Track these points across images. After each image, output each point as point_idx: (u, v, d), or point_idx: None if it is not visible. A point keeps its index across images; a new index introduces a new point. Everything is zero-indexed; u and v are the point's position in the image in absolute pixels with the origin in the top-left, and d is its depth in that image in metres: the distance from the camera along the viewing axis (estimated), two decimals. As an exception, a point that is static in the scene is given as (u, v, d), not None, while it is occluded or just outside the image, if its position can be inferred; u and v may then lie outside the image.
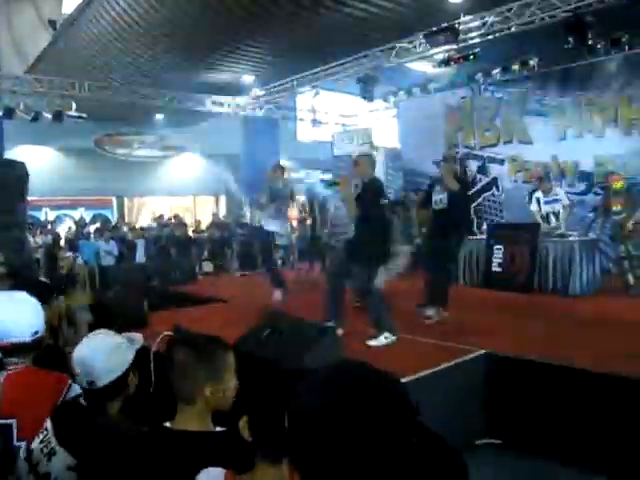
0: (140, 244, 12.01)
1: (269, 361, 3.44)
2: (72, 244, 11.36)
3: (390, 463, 0.84)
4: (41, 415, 1.96)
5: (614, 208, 7.35)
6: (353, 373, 0.93)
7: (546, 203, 7.71)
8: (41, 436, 1.86)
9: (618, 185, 7.45)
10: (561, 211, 7.58)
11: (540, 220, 7.76)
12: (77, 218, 15.08)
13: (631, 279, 7.11)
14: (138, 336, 2.15)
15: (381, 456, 0.84)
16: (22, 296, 2.24)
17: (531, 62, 9.56)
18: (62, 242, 11.87)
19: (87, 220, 15.15)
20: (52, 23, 10.17)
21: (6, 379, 2.10)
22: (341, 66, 10.22)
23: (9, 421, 1.98)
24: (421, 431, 0.91)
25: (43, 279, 6.44)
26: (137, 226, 14.17)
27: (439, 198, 5.90)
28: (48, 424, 1.88)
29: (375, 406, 0.86)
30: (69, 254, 9.72)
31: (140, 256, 11.75)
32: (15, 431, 1.97)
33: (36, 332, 2.14)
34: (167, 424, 1.66)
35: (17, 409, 2.00)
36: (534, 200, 7.93)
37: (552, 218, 7.68)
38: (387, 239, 5.26)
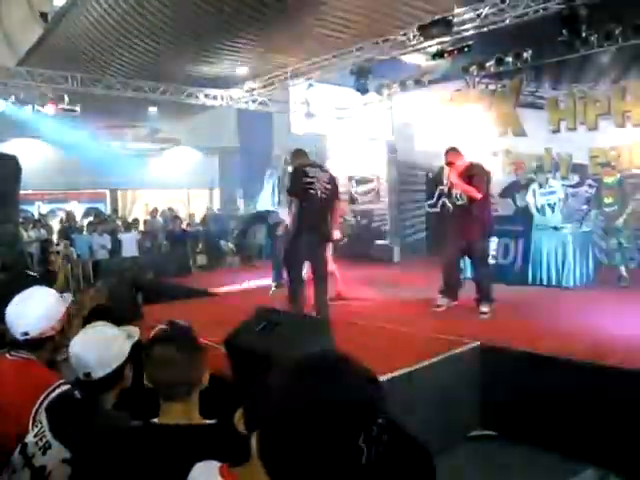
0: (129, 238, 11.92)
1: (263, 354, 3.44)
2: (65, 235, 11.31)
3: (347, 460, 0.82)
4: (20, 404, 2.03)
5: (606, 200, 7.39)
6: (321, 364, 0.92)
7: (542, 195, 7.72)
8: (35, 429, 1.86)
9: (610, 180, 7.50)
10: (557, 203, 7.60)
11: (535, 212, 7.78)
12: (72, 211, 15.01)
13: (623, 271, 7.16)
14: (135, 329, 2.17)
15: (335, 451, 0.83)
16: (27, 293, 2.29)
17: (525, 54, 9.55)
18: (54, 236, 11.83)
19: (80, 213, 15.11)
20: (43, 15, 10.08)
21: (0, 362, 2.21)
22: (335, 58, 10.19)
23: None
24: (393, 429, 0.90)
25: (32, 273, 6.42)
26: (130, 219, 14.11)
27: (458, 194, 5.87)
28: (43, 417, 1.88)
29: (333, 400, 0.85)
30: (60, 246, 9.64)
31: (129, 250, 11.64)
32: None
33: (25, 333, 2.18)
34: (155, 420, 1.66)
35: (1, 393, 2.07)
36: (530, 191, 7.95)
37: (547, 210, 7.70)
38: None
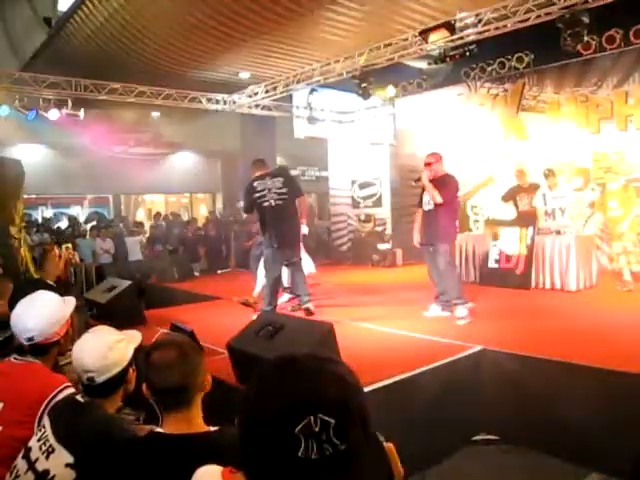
0: (133, 242, 11.93)
1: (264, 358, 3.44)
2: (69, 239, 11.33)
3: (281, 448, 0.83)
4: (24, 407, 2.05)
5: (610, 204, 7.38)
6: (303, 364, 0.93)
7: (553, 199, 7.72)
8: (39, 433, 1.87)
9: (614, 184, 7.49)
10: (568, 208, 7.59)
11: (544, 216, 7.77)
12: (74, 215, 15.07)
13: (627, 275, 7.14)
14: (137, 334, 2.17)
15: (271, 436, 0.83)
16: (31, 299, 2.30)
17: (527, 59, 9.56)
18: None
19: (82, 218, 15.16)
20: (47, 21, 10.13)
21: (5, 365, 2.23)
22: (337, 63, 10.21)
23: None
24: (362, 440, 0.88)
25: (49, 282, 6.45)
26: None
27: (427, 199, 5.96)
28: (46, 422, 1.89)
29: (300, 401, 0.85)
30: (63, 250, 9.63)
31: (133, 254, 11.64)
32: None
33: (30, 338, 2.19)
34: (159, 430, 1.66)
35: (7, 396, 2.08)
36: (539, 196, 7.93)
37: (558, 214, 7.68)
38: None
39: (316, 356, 0.95)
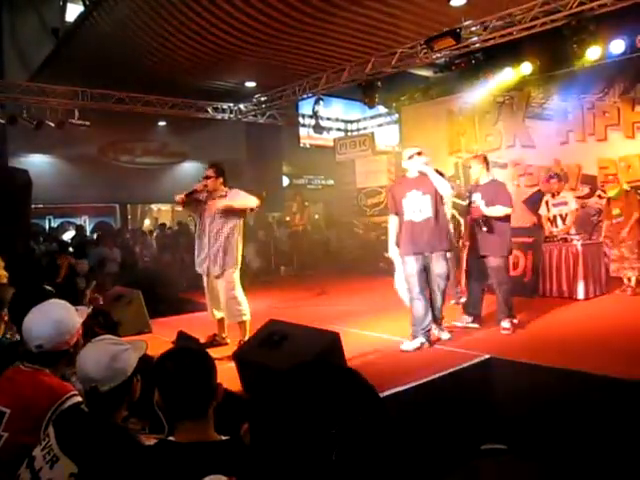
0: None
1: (268, 367, 3.43)
2: (76, 248, 11.35)
3: (316, 449, 0.82)
4: (31, 414, 2.06)
5: (614, 212, 7.37)
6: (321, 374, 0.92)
7: (554, 206, 7.68)
8: (43, 443, 1.86)
9: (613, 192, 7.48)
10: (569, 215, 7.56)
11: (547, 223, 7.73)
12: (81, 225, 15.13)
13: (627, 281, 7.13)
14: (143, 342, 2.16)
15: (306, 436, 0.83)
16: (44, 306, 2.30)
17: (533, 66, 9.56)
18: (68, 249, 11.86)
19: (88, 227, 15.22)
20: (55, 31, 10.23)
21: (14, 371, 2.23)
22: (343, 72, 10.25)
23: (4, 409, 2.07)
24: (377, 447, 0.88)
25: (48, 288, 6.46)
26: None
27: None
28: (50, 431, 1.88)
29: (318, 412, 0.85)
30: (71, 259, 9.65)
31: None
32: (4, 421, 2.05)
33: (39, 346, 2.19)
34: (171, 438, 1.65)
35: (13, 402, 2.09)
36: (543, 203, 7.90)
37: (559, 221, 7.65)
38: None
39: (344, 367, 0.96)
